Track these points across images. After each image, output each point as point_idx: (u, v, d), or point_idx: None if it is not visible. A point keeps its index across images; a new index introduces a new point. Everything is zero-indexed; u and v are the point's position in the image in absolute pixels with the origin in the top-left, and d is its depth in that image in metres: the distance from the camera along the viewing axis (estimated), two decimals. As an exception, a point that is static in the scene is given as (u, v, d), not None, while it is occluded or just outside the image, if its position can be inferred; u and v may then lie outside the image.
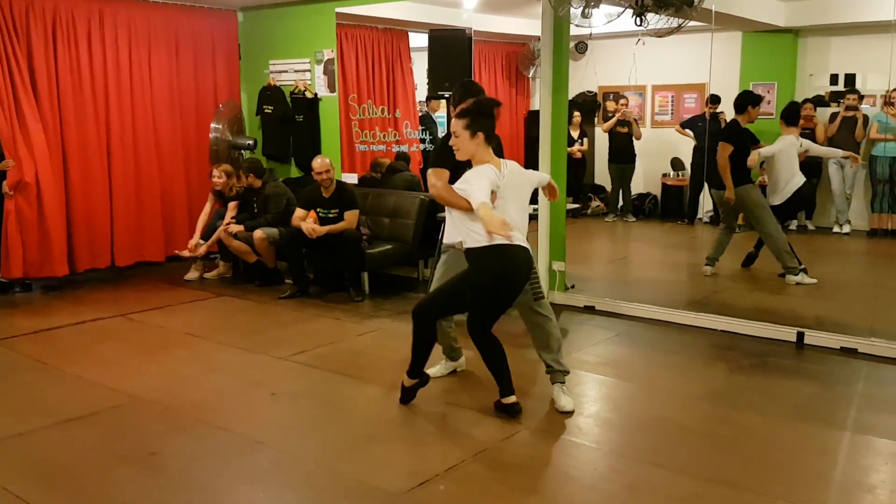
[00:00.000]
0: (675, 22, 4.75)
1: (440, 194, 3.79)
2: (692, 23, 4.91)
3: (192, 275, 7.04)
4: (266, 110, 7.76)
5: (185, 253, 6.91)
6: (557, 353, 4.01)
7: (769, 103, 6.80)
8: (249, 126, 8.09)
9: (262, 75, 7.86)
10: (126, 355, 4.92)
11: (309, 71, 7.58)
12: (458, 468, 3.29)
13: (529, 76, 9.36)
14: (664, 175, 8.61)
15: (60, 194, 6.61)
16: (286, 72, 7.72)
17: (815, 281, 6.10)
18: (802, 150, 6.31)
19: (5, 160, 6.20)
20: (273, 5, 7.62)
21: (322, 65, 7.48)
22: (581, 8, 4.89)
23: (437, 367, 4.34)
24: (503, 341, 3.82)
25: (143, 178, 7.18)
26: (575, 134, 8.61)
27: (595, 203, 9.09)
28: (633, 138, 8.51)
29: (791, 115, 6.28)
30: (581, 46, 8.35)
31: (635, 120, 8.53)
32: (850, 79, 6.83)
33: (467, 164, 3.68)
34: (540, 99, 5.88)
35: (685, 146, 8.02)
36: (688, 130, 7.90)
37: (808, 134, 6.69)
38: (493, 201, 3.51)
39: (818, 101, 6.93)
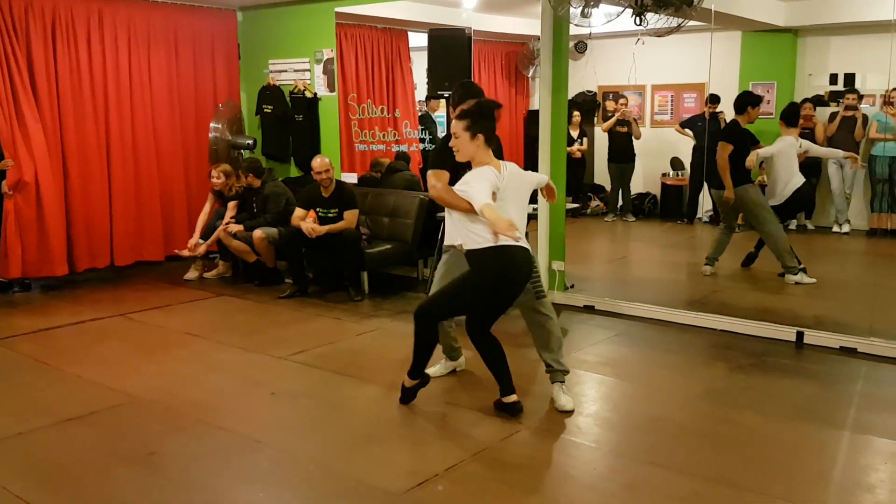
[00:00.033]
0: (674, 21, 4.75)
1: (440, 196, 3.79)
2: (692, 22, 4.91)
3: (192, 274, 7.05)
4: (265, 110, 7.76)
5: (185, 252, 6.91)
6: (558, 353, 4.01)
7: (768, 103, 6.80)
8: (249, 126, 8.09)
9: (262, 75, 7.85)
10: (125, 355, 4.92)
11: (308, 70, 7.58)
12: (457, 468, 3.29)
13: (529, 76, 9.36)
14: (664, 175, 8.61)
15: (60, 194, 6.61)
16: (286, 71, 7.72)
17: (814, 280, 6.10)
18: (802, 151, 6.31)
19: (5, 160, 6.20)
20: (272, 5, 7.62)
21: (321, 64, 7.48)
22: (580, 7, 4.89)
23: (436, 366, 4.34)
24: (503, 341, 3.83)
25: (143, 177, 7.17)
26: (574, 133, 8.61)
27: (595, 203, 9.09)
28: (633, 138, 8.51)
29: (791, 115, 6.28)
30: (581, 46, 8.35)
31: (635, 119, 8.53)
32: (850, 78, 6.83)
33: (467, 166, 3.69)
34: (539, 98, 5.88)
35: (685, 146, 8.02)
36: (687, 130, 7.90)
37: (808, 133, 6.69)
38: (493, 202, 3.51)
39: (817, 101, 6.93)
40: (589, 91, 8.86)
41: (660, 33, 4.76)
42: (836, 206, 6.96)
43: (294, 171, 7.84)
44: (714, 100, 7.26)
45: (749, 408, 3.93)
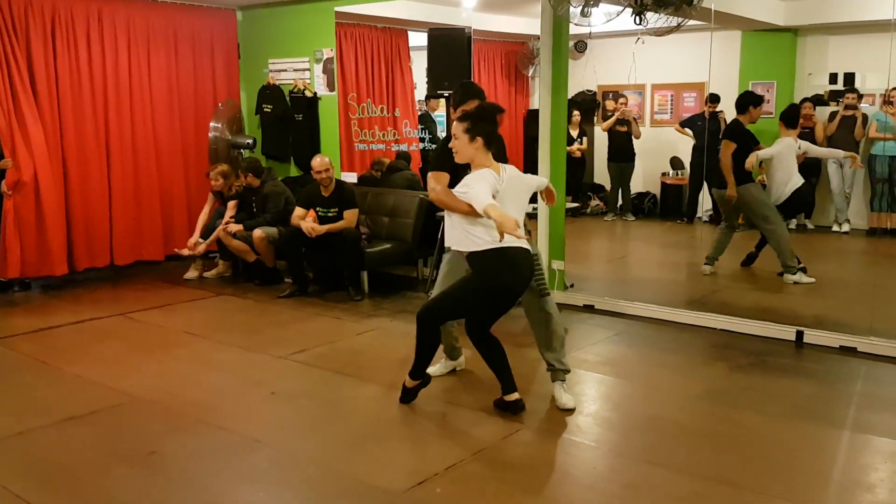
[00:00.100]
0: (674, 21, 4.74)
1: (439, 198, 3.81)
2: (691, 22, 4.90)
3: (192, 274, 7.05)
4: (265, 109, 7.76)
5: (185, 251, 6.91)
6: (560, 353, 4.01)
7: (768, 102, 6.80)
8: (249, 125, 8.08)
9: (262, 74, 7.85)
10: (125, 354, 4.92)
11: (308, 70, 7.58)
12: (457, 467, 3.29)
13: (529, 75, 9.35)
14: (663, 174, 8.60)
15: (59, 193, 6.61)
16: (285, 71, 7.72)
17: (813, 280, 6.11)
18: (801, 153, 6.31)
19: (4, 159, 6.20)
20: (272, 4, 7.62)
21: (321, 64, 7.48)
22: (580, 7, 4.88)
23: (436, 366, 4.34)
24: (503, 341, 3.83)
25: (143, 177, 7.17)
26: (574, 133, 8.61)
27: (594, 202, 9.09)
28: (633, 137, 8.50)
29: (791, 117, 6.29)
30: (580, 45, 8.34)
31: (634, 119, 8.52)
32: (850, 78, 6.82)
33: (467, 167, 3.69)
34: (539, 98, 5.87)
35: (684, 145, 8.01)
36: (687, 129, 7.90)
37: (808, 133, 6.69)
38: None
39: (817, 101, 6.93)
40: (589, 90, 8.86)
41: (660, 33, 4.75)
42: (836, 206, 6.96)
43: (294, 171, 7.83)
44: (714, 99, 7.26)
45: (749, 407, 3.93)
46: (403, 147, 8.11)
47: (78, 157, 6.72)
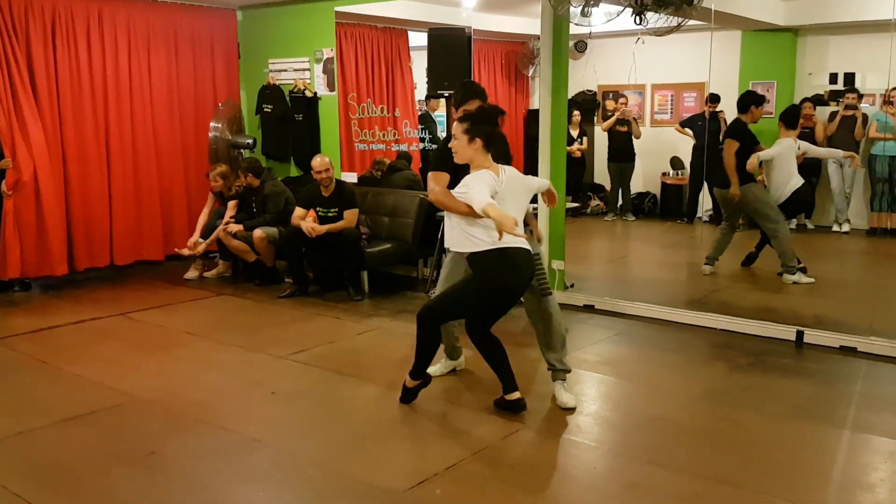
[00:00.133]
0: (674, 21, 4.74)
1: (438, 199, 3.82)
2: (692, 22, 4.90)
3: (192, 274, 7.05)
4: (265, 109, 7.76)
5: (185, 251, 6.91)
6: (561, 353, 4.02)
7: (768, 102, 6.79)
8: (249, 125, 8.08)
9: (262, 74, 7.85)
10: (125, 354, 4.92)
11: (308, 70, 7.58)
12: (457, 467, 3.29)
13: (529, 75, 9.35)
14: (663, 174, 8.60)
15: (59, 193, 6.61)
16: (285, 71, 7.72)
17: (812, 280, 6.11)
18: (800, 153, 6.32)
19: (4, 159, 6.20)
20: (272, 4, 7.61)
21: (321, 64, 7.48)
22: (580, 7, 4.88)
23: (437, 365, 4.34)
24: (503, 340, 3.83)
25: (143, 176, 7.18)
26: (574, 133, 8.61)
27: (594, 202, 9.08)
28: (633, 137, 8.50)
29: (790, 118, 6.29)
30: (580, 45, 8.34)
31: (635, 119, 8.52)
32: (850, 78, 6.82)
33: (468, 168, 3.70)
34: (539, 98, 5.88)
35: (684, 145, 8.01)
36: (687, 129, 7.90)
37: (808, 133, 6.69)
38: None
39: (817, 100, 6.93)
40: (589, 90, 8.85)
41: (660, 32, 4.75)
42: (836, 206, 6.96)
43: (294, 171, 7.83)
44: (714, 99, 7.26)
45: (749, 407, 3.93)
46: (403, 147, 8.11)
47: (78, 157, 6.72)
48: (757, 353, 4.77)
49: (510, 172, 3.74)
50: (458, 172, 3.74)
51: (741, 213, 6.44)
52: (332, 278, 6.60)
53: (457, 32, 6.79)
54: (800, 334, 4.94)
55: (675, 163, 8.41)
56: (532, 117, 7.42)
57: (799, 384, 4.28)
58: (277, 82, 7.73)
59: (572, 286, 6.05)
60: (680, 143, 8.12)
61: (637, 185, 8.78)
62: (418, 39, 7.78)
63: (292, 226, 6.25)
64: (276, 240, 6.52)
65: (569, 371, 4.04)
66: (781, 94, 6.96)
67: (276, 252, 6.63)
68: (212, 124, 7.72)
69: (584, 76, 8.33)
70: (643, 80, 8.25)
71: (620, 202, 8.77)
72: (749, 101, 6.20)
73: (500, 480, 3.21)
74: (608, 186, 8.93)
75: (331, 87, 7.47)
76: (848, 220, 6.95)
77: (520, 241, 3.62)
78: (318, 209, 6.27)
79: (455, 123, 3.72)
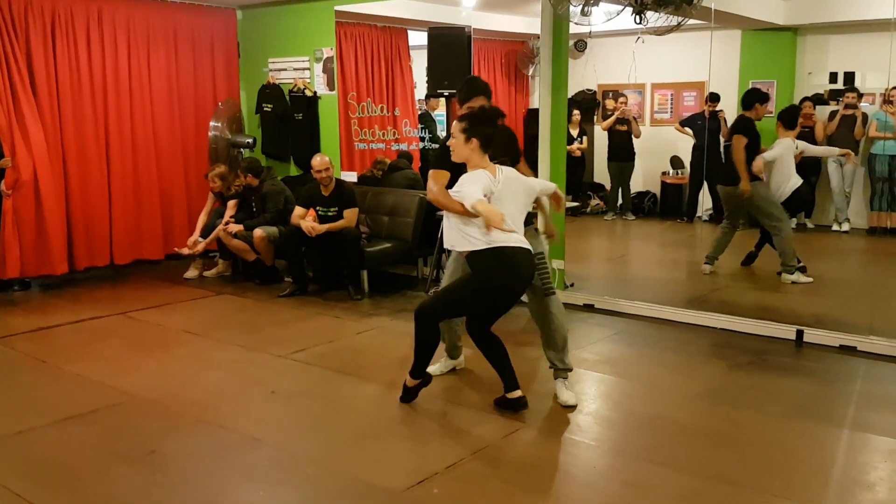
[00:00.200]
0: (674, 20, 4.74)
1: (435, 198, 3.84)
2: (691, 21, 4.90)
3: (192, 273, 7.04)
4: (265, 108, 7.75)
5: (185, 250, 6.91)
6: (562, 352, 4.03)
7: (770, 99, 6.80)
8: (248, 124, 8.08)
9: (262, 73, 7.85)
10: (125, 353, 4.92)
11: (308, 69, 7.58)
12: (457, 466, 3.29)
13: (529, 74, 9.35)
14: (663, 173, 8.60)
15: (59, 192, 6.60)
16: (285, 70, 7.72)
17: (811, 280, 6.11)
18: (798, 153, 6.32)
19: (4, 159, 6.20)
20: (272, 3, 7.61)
21: (321, 63, 7.48)
22: (580, 6, 4.88)
23: (437, 365, 4.34)
24: (503, 339, 3.84)
25: (142, 176, 7.17)
26: (574, 132, 8.61)
27: (594, 201, 9.09)
28: (633, 136, 8.51)
29: (789, 118, 6.29)
30: (580, 45, 8.35)
31: (634, 118, 8.52)
32: (850, 77, 6.82)
33: (466, 167, 3.70)
34: (539, 97, 5.88)
35: (684, 144, 8.01)
36: (687, 129, 7.90)
37: (808, 132, 6.69)
38: None
39: (817, 100, 6.93)
40: (589, 90, 8.86)
41: (660, 32, 4.75)
42: (836, 205, 6.96)
43: (294, 170, 7.83)
44: (714, 98, 7.26)
45: (748, 406, 3.93)
46: (403, 146, 8.11)
47: (78, 157, 6.72)
48: (757, 353, 4.77)
49: (508, 173, 3.74)
50: (458, 171, 3.74)
51: (743, 213, 6.44)
52: (331, 277, 6.60)
53: (457, 32, 6.79)
54: (799, 333, 4.94)
55: (675, 162, 8.41)
56: (532, 116, 7.42)
57: (798, 383, 4.28)
58: (277, 81, 7.73)
59: (572, 285, 6.05)
60: (680, 142, 8.13)
61: (637, 184, 8.78)
62: (418, 39, 7.78)
63: (292, 225, 6.25)
64: (276, 239, 6.52)
65: (570, 370, 4.05)
66: (781, 94, 6.96)
67: (276, 251, 6.63)
68: (212, 123, 7.72)
69: (584, 75, 8.34)
70: (643, 80, 8.25)
71: (620, 201, 8.77)
72: (754, 98, 6.21)
73: (500, 479, 3.21)
74: (608, 186, 8.93)
75: (330, 86, 7.47)
76: (848, 220, 6.95)
77: (519, 241, 3.62)
78: (317, 208, 6.27)
79: (454, 122, 3.73)
